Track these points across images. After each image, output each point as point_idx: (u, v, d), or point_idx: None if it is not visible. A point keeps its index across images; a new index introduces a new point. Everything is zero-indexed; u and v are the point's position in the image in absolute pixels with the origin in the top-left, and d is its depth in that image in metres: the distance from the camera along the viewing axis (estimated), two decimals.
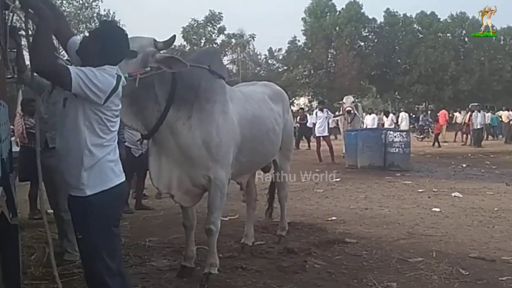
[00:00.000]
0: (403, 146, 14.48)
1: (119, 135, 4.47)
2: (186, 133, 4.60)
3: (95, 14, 41.46)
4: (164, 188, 4.87)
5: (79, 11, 40.76)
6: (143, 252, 5.95)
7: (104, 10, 42.43)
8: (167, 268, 5.39)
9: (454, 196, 9.99)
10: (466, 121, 26.72)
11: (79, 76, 2.97)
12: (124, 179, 3.34)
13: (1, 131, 3.81)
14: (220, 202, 4.87)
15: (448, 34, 52.22)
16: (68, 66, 3.08)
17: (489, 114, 30.90)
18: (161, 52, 4.25)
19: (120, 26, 3.43)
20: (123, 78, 3.26)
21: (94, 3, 41.51)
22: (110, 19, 39.63)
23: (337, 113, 18.19)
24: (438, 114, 29.45)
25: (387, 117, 24.16)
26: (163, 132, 4.55)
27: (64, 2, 40.04)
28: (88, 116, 3.08)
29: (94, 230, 3.16)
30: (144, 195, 8.81)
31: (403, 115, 24.08)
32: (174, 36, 4.33)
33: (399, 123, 23.75)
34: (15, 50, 4.69)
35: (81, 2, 41.27)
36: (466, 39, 52.63)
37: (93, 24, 38.68)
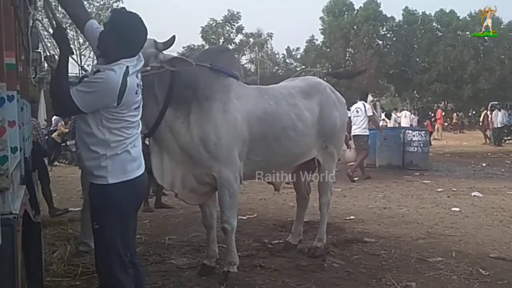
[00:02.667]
0: (421, 145, 14.40)
1: None
2: (184, 132, 4.65)
3: None
4: (168, 185, 4.90)
5: (100, 12, 41.16)
6: (163, 250, 6.01)
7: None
8: (186, 266, 5.43)
9: (474, 195, 9.92)
10: (482, 120, 26.57)
11: (81, 99, 3.01)
12: (143, 171, 3.36)
13: (24, 130, 3.89)
14: (230, 200, 4.86)
15: (467, 32, 51.69)
16: (70, 93, 3.05)
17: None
18: (162, 52, 4.31)
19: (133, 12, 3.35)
20: (132, 69, 3.16)
21: (114, 4, 41.84)
22: None
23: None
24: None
25: (389, 118, 22.90)
26: (162, 131, 4.61)
27: (84, 2, 40.42)
28: (103, 117, 3.10)
29: (111, 220, 3.18)
30: (163, 193, 8.87)
31: (406, 113, 23.87)
32: (174, 36, 4.32)
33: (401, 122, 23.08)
34: (38, 51, 4.77)
35: (101, 2, 41.65)
36: (485, 37, 52.06)
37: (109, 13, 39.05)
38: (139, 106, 3.28)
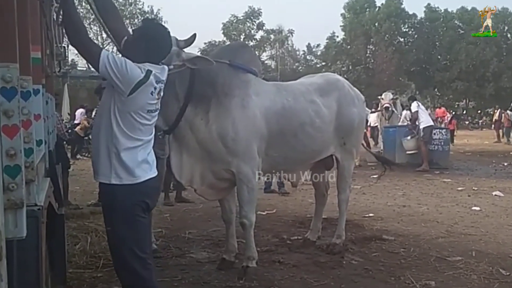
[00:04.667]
0: (442, 143, 14.30)
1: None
2: (203, 128, 4.69)
3: (138, 10, 42.12)
4: (186, 181, 4.95)
5: (123, 7, 41.53)
6: (183, 244, 6.07)
7: (148, 7, 43.04)
8: (206, 260, 5.48)
9: (495, 195, 9.82)
10: (497, 118, 26.34)
11: (107, 58, 3.04)
12: (154, 174, 3.34)
13: (49, 123, 3.95)
14: (248, 195, 4.90)
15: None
16: (102, 49, 3.15)
17: None
18: (184, 50, 4.34)
19: (163, 22, 3.48)
20: (155, 75, 3.21)
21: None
22: (153, 15, 40.29)
23: (373, 109, 17.97)
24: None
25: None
26: (182, 128, 4.66)
27: None
28: (116, 109, 3.13)
29: (119, 221, 3.19)
30: (184, 187, 8.92)
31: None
32: (195, 35, 4.37)
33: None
34: (63, 45, 4.83)
35: None
36: (508, 35, 51.42)
37: (136, 20, 39.40)
38: (153, 111, 3.28)
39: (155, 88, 3.21)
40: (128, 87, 3.08)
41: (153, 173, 3.33)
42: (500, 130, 26.72)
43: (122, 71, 3.06)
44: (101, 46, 3.68)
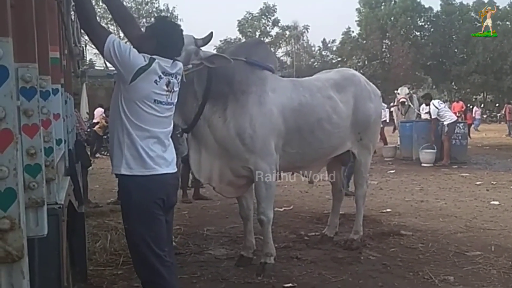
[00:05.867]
0: (460, 137, 14.16)
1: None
2: (221, 126, 4.72)
3: (154, 9, 42.37)
4: (205, 179, 4.98)
5: (139, 6, 41.80)
6: (201, 240, 6.10)
7: (164, 5, 43.23)
8: (224, 256, 5.51)
9: None
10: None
11: (113, 43, 3.09)
12: (172, 171, 3.33)
13: (68, 122, 3.99)
14: (266, 192, 4.92)
15: (507, 22, 50.37)
16: (110, 34, 3.18)
17: None
18: (201, 48, 4.34)
19: (177, 21, 3.50)
20: (162, 64, 3.22)
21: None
22: (169, 13, 40.48)
23: (391, 104, 17.89)
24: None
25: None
26: (201, 126, 4.69)
27: None
28: (123, 98, 3.16)
29: (135, 219, 3.21)
30: (201, 185, 8.96)
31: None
32: (212, 33, 4.39)
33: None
34: (81, 45, 4.88)
35: None
36: None
37: (153, 19, 39.66)
38: (163, 103, 3.25)
39: (159, 77, 3.20)
40: (130, 73, 3.10)
41: (171, 169, 3.33)
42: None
43: (125, 56, 3.10)
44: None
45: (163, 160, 3.28)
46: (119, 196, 3.28)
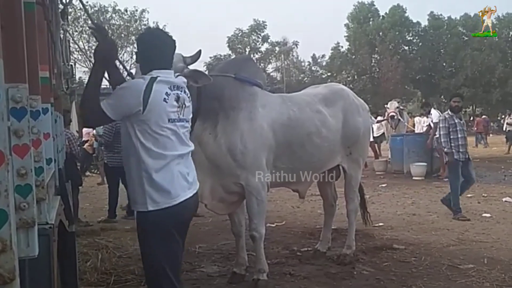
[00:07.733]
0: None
1: None
2: (212, 142, 4.71)
3: (144, 27, 42.33)
4: None
5: (128, 24, 41.76)
6: (193, 258, 6.06)
7: (153, 23, 43.19)
8: (217, 274, 5.48)
9: (505, 201, 9.77)
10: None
11: (107, 106, 2.98)
12: (192, 193, 3.23)
13: (58, 141, 3.97)
14: (258, 208, 4.90)
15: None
16: (100, 104, 3.04)
17: None
18: (188, 67, 4.28)
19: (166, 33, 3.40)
20: (163, 78, 3.11)
21: (142, 15, 42.61)
22: None
23: (379, 118, 17.93)
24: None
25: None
26: None
27: (114, 15, 41.30)
28: (137, 131, 3.03)
29: (153, 244, 3.10)
30: None
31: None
32: (200, 51, 4.32)
33: None
34: (70, 64, 4.87)
35: (130, 14, 42.32)
36: None
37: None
38: (176, 121, 3.15)
39: (167, 94, 3.09)
40: (139, 103, 2.97)
41: (192, 191, 3.23)
42: None
43: (123, 99, 3.01)
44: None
45: (186, 183, 3.18)
46: (138, 224, 3.16)
